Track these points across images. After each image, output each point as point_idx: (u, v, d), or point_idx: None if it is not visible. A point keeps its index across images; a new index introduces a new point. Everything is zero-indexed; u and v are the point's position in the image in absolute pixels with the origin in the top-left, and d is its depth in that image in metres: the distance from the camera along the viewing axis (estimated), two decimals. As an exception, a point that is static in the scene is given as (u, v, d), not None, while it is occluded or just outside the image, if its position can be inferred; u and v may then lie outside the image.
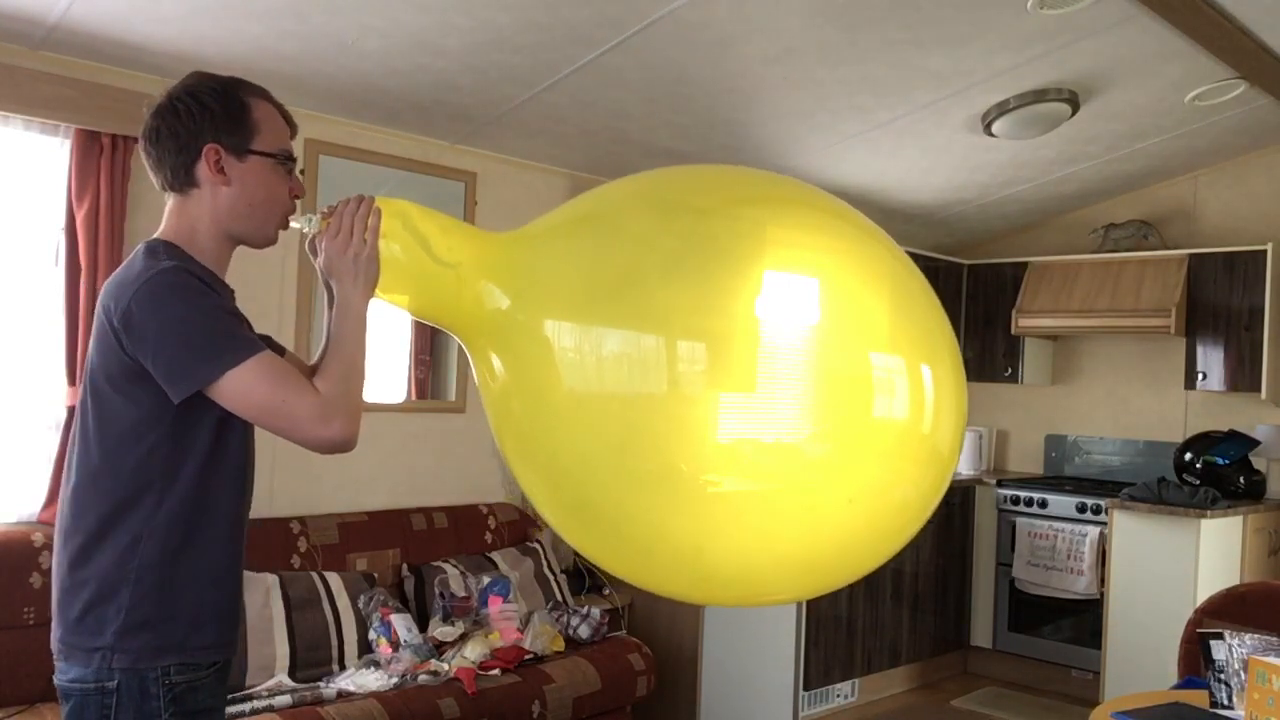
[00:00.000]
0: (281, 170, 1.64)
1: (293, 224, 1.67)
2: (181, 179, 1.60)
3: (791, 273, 1.51)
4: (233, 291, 1.69)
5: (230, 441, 1.57)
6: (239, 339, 1.50)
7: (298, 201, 1.69)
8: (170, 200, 1.63)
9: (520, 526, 4.08)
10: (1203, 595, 3.85)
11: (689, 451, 1.48)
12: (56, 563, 1.58)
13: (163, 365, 1.47)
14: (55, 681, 1.56)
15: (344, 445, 1.52)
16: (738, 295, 1.48)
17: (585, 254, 1.57)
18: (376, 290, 1.61)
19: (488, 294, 1.58)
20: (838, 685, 4.70)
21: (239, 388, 1.47)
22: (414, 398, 4.02)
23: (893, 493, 1.57)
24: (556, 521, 1.66)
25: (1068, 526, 4.93)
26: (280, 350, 1.77)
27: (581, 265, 1.55)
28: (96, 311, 1.56)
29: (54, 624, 1.57)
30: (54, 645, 1.56)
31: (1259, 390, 4.65)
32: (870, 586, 4.81)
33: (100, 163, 3.03)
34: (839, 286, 1.53)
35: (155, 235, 1.62)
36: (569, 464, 1.55)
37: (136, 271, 1.53)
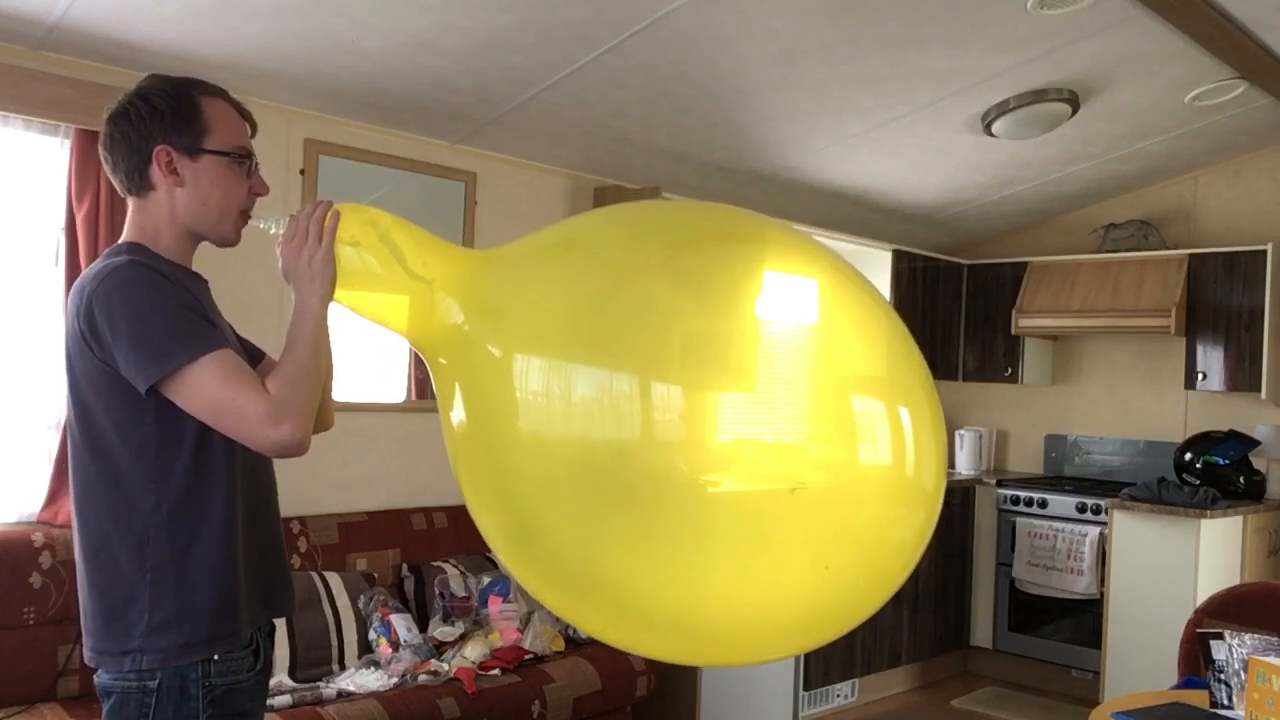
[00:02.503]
0: (238, 168, 1.63)
1: (258, 224, 1.65)
2: (137, 182, 1.60)
3: (771, 315, 1.47)
4: (205, 282, 1.68)
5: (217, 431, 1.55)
6: (193, 335, 1.48)
7: (261, 201, 1.68)
8: (130, 204, 1.63)
9: (520, 526, 4.07)
10: (1203, 595, 3.85)
11: (658, 496, 1.40)
12: (77, 573, 1.59)
13: (121, 361, 1.46)
14: (96, 680, 1.57)
15: (294, 449, 1.48)
16: (716, 338, 1.43)
17: (555, 281, 1.52)
18: (345, 300, 1.59)
19: (453, 312, 1.54)
20: (838, 685, 4.70)
21: (191, 385, 1.46)
22: (414, 398, 4.02)
23: (889, 534, 1.54)
24: (501, 550, 1.60)
25: (1068, 526, 4.93)
26: (259, 354, 1.76)
27: (550, 293, 1.50)
28: (67, 316, 1.55)
29: (84, 634, 1.57)
30: (86, 655, 1.56)
31: (1259, 390, 4.65)
32: (870, 586, 4.80)
33: (100, 163, 3.03)
34: (818, 332, 1.51)
35: (121, 239, 1.63)
36: (522, 497, 1.48)
37: (96, 270, 1.52)
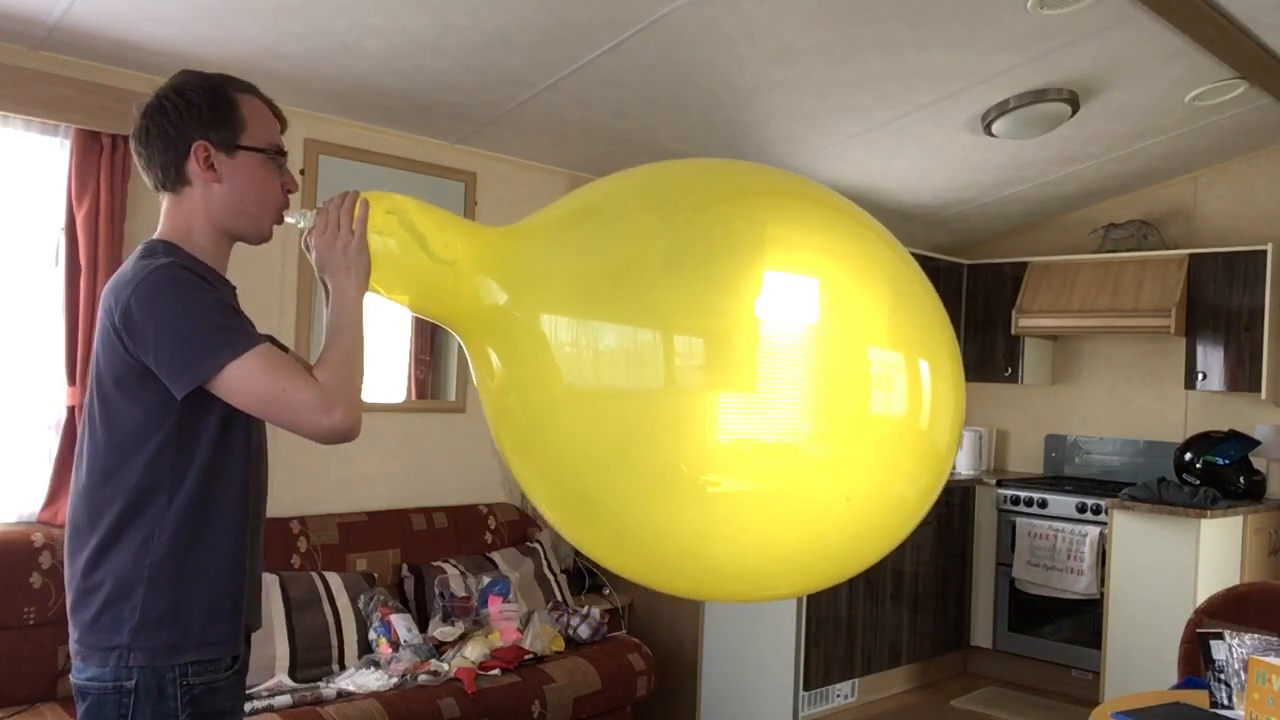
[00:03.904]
0: (272, 164, 1.65)
1: (287, 219, 1.67)
2: (173, 178, 1.61)
3: (790, 269, 1.50)
4: (234, 288, 1.69)
5: (235, 435, 1.57)
6: (238, 331, 1.50)
7: (292, 197, 1.70)
8: (164, 200, 1.64)
9: (520, 526, 4.08)
10: (1203, 595, 3.85)
11: (689, 449, 1.46)
12: (69, 564, 1.58)
13: (164, 362, 1.47)
14: (72, 680, 1.56)
15: (346, 434, 1.51)
16: (736, 292, 1.47)
17: (583, 248, 1.56)
18: (377, 287, 1.61)
19: (485, 289, 1.57)
20: (838, 685, 4.70)
21: (240, 380, 1.48)
22: (414, 398, 4.02)
23: (891, 489, 1.56)
24: (555, 519, 1.66)
25: (1068, 526, 4.93)
26: (283, 349, 1.78)
27: (579, 260, 1.54)
28: (99, 314, 1.57)
29: (70, 626, 1.57)
30: (71, 647, 1.57)
31: (1259, 390, 4.65)
32: (870, 586, 4.81)
33: (100, 163, 3.03)
34: (838, 283, 1.52)
35: (153, 236, 1.63)
36: (567, 460, 1.54)
37: (133, 270, 1.53)
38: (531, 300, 1.54)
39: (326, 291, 1.62)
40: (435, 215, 1.62)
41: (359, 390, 1.56)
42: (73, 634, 1.57)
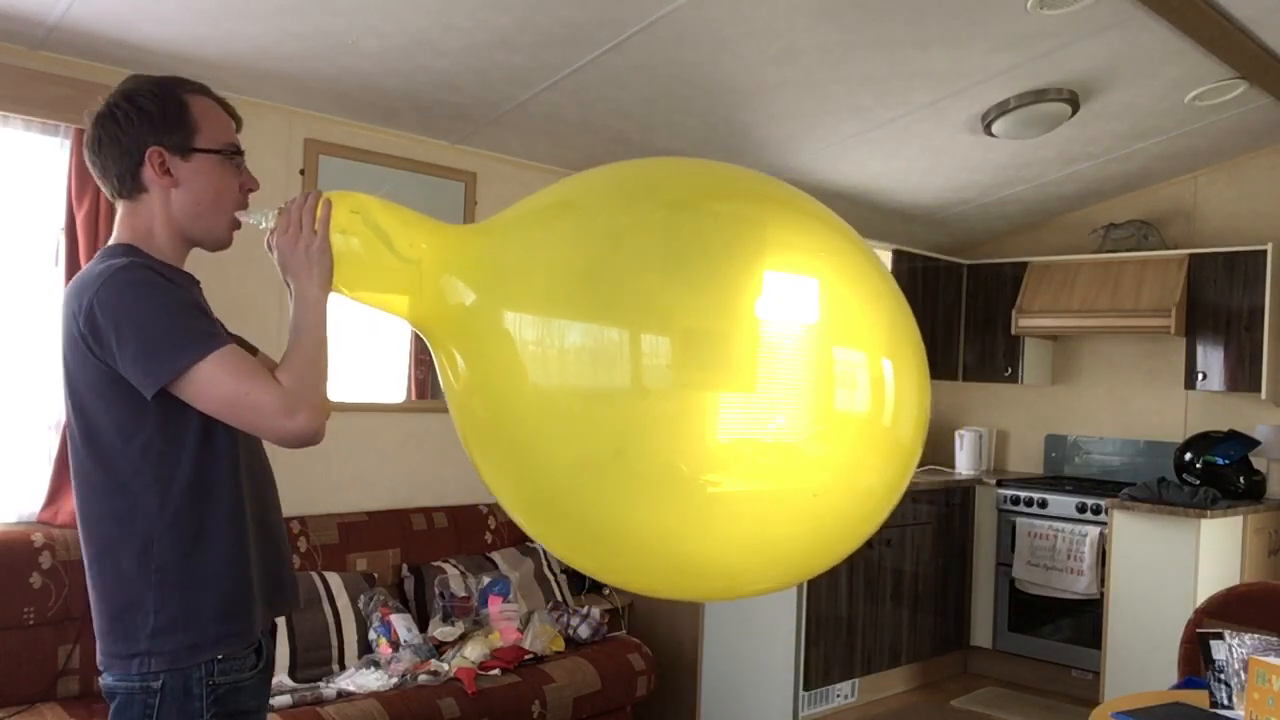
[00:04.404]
0: (229, 165, 1.63)
1: (247, 220, 1.64)
2: (129, 185, 1.59)
3: (759, 268, 1.50)
4: (198, 282, 1.67)
5: (219, 427, 1.55)
6: (201, 332, 1.48)
7: (250, 197, 1.68)
8: (121, 207, 1.62)
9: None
10: (1203, 595, 3.85)
11: (656, 447, 1.45)
12: (86, 575, 1.58)
13: (129, 364, 1.46)
14: (100, 681, 1.57)
15: (310, 438, 1.49)
16: (704, 291, 1.46)
17: (550, 247, 1.54)
18: (340, 287, 1.59)
19: (450, 288, 1.56)
20: (838, 685, 4.70)
21: (202, 382, 1.46)
22: (414, 398, 4.02)
23: (858, 483, 1.57)
24: (521, 519, 1.64)
25: (1068, 526, 4.93)
26: (252, 350, 1.75)
27: (546, 258, 1.52)
28: (62, 320, 1.54)
29: (96, 637, 1.58)
30: (97, 658, 1.57)
31: (1259, 390, 4.65)
32: (870, 586, 4.81)
33: (100, 163, 3.03)
34: (806, 282, 1.53)
35: (111, 241, 1.61)
36: (533, 460, 1.53)
37: (95, 273, 1.51)
38: (497, 298, 1.52)
39: (290, 292, 1.60)
40: (399, 214, 1.60)
41: (324, 393, 1.54)
42: (97, 644, 1.57)
